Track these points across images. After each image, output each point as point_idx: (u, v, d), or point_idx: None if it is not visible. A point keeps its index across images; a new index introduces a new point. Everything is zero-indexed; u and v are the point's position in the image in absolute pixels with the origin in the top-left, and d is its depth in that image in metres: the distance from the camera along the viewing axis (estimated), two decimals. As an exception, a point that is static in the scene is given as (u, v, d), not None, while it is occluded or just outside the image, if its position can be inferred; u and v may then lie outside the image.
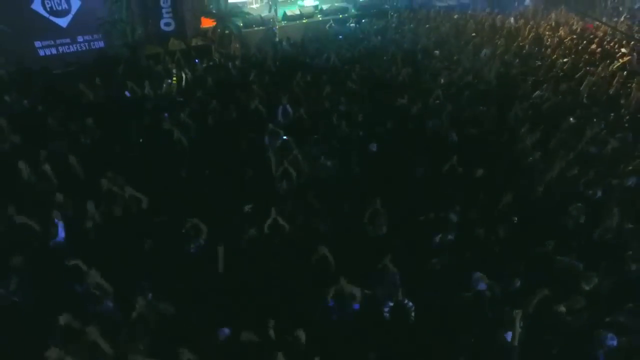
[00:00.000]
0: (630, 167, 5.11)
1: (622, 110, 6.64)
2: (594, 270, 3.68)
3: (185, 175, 5.17)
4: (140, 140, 6.01)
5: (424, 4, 14.90)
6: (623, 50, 9.00)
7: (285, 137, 5.62)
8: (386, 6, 14.29)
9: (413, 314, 3.39)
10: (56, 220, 4.04)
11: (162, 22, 10.27)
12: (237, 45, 10.94)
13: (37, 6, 8.59)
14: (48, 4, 8.67)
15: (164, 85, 7.33)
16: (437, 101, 6.62)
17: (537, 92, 7.00)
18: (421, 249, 4.06)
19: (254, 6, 14.17)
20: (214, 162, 5.38)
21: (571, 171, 4.97)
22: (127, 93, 7.33)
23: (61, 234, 4.18)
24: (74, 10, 9.02)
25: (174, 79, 7.77)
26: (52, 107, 6.48)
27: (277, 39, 11.68)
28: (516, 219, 4.38)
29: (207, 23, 11.44)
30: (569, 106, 6.60)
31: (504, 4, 15.34)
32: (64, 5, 8.88)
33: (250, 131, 5.89)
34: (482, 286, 3.62)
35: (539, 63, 8.61)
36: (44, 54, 9.13)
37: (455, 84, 7.41)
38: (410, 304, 3.42)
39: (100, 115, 6.13)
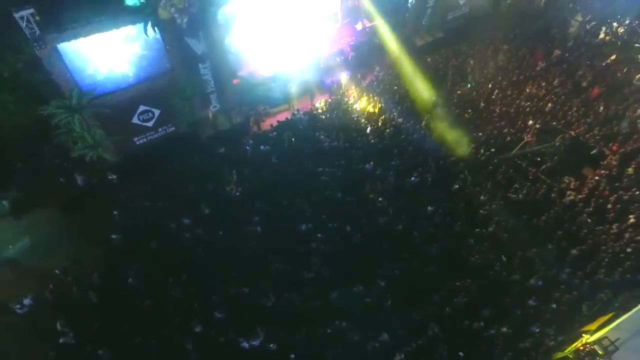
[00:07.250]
0: None
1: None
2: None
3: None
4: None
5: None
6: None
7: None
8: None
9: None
10: None
11: (211, 106, 14.30)
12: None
13: (135, 120, 12.93)
14: (141, 117, 12.99)
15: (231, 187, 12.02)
16: None
17: None
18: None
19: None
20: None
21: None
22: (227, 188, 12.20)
23: None
24: (156, 115, 13.27)
25: (234, 176, 12.38)
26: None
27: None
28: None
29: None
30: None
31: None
32: (150, 115, 13.15)
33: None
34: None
35: None
36: (139, 143, 13.68)
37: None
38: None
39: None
